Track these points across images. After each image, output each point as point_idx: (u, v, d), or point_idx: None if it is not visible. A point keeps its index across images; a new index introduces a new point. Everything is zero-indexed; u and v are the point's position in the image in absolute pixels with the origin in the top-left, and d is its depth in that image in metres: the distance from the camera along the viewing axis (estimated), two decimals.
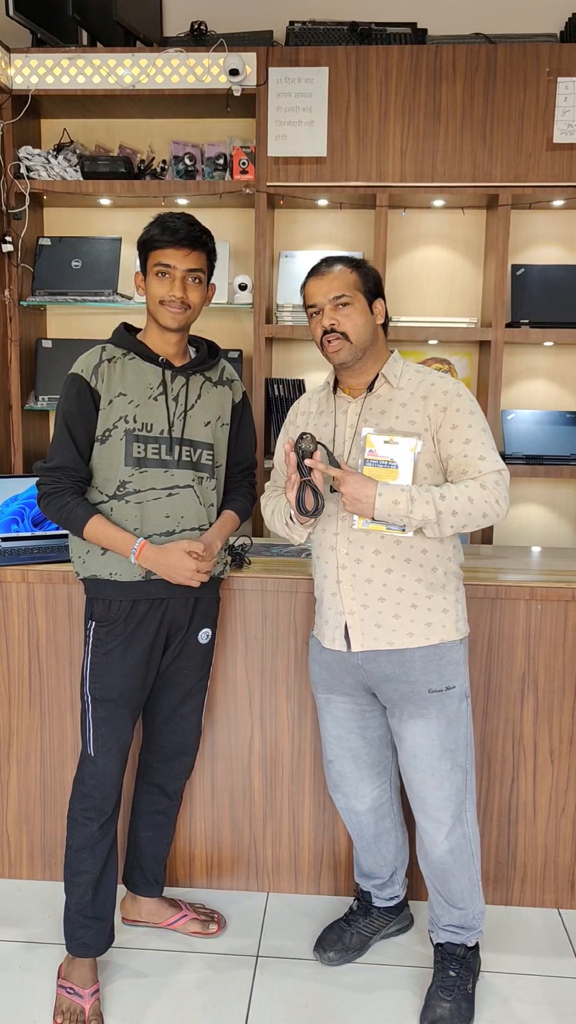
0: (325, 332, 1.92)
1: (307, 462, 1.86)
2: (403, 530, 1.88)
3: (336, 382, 2.05)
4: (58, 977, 2.08)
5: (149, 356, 2.03)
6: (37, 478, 2.03)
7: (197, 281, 1.99)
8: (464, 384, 2.02)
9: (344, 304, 1.91)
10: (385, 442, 1.89)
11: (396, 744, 2.05)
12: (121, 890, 2.31)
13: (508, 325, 3.22)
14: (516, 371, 3.48)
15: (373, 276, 1.98)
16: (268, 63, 3.10)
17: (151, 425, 2.01)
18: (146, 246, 1.99)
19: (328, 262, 1.96)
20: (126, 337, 2.05)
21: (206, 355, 2.11)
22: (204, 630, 2.15)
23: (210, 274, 2.05)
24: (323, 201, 3.31)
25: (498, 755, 2.37)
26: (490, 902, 2.42)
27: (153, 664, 2.08)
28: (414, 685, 1.94)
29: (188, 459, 2.05)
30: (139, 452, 2.00)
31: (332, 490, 1.93)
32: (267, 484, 2.22)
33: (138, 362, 2.03)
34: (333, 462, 1.89)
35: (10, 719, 2.44)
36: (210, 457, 2.09)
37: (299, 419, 2.11)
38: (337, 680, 2.04)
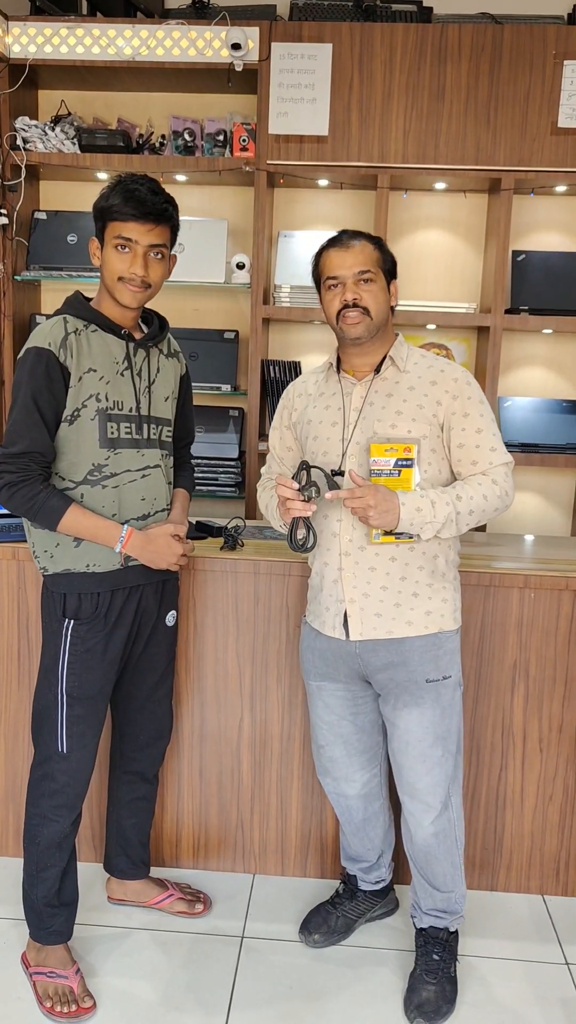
0: (345, 306, 1.87)
1: (300, 507, 1.81)
2: (412, 537, 1.85)
3: (339, 363, 2.01)
4: (26, 968, 2.04)
5: (112, 328, 1.90)
6: None
7: (159, 256, 1.87)
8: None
9: (367, 280, 1.87)
10: (388, 451, 1.84)
11: (388, 731, 2.04)
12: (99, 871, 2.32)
13: (507, 311, 3.20)
14: (514, 358, 3.46)
15: (391, 257, 1.95)
16: (271, 38, 3.05)
17: (121, 403, 1.90)
18: (104, 214, 1.84)
19: (350, 235, 1.91)
20: (86, 307, 1.90)
21: (158, 327, 2.00)
22: (171, 612, 2.11)
23: (172, 245, 1.93)
24: (323, 181, 3.27)
25: (487, 743, 2.37)
26: (476, 887, 2.43)
27: (126, 653, 2.02)
28: (412, 674, 1.93)
29: (155, 437, 1.98)
30: (112, 432, 1.88)
31: (333, 482, 1.85)
32: (262, 470, 2.18)
33: (101, 335, 1.89)
34: (332, 483, 1.83)
35: None
36: (169, 433, 2.03)
37: (296, 401, 2.07)
38: (331, 668, 2.02)
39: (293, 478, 1.85)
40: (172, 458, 2.07)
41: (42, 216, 3.38)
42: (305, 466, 1.85)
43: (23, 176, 3.21)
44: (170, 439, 2.04)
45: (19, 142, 3.20)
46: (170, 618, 2.11)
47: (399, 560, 1.90)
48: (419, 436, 1.87)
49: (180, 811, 2.47)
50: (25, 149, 3.20)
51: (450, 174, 3.12)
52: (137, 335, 1.97)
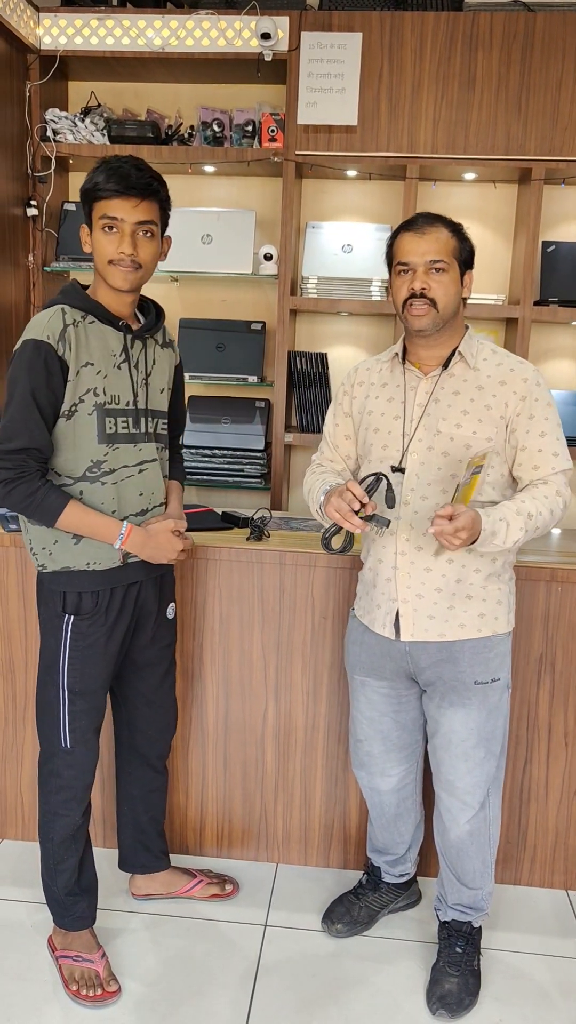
0: (412, 295, 1.80)
1: (358, 523, 1.73)
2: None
3: (404, 352, 1.94)
4: (53, 952, 2.07)
5: (109, 319, 1.85)
6: None
7: (149, 235, 1.81)
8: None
9: (440, 270, 1.80)
10: (476, 465, 1.74)
11: (430, 727, 2.01)
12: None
13: (536, 303, 3.17)
14: (543, 350, 3.43)
15: (469, 246, 1.86)
16: (301, 27, 3.04)
17: (118, 396, 1.86)
18: (89, 196, 1.78)
19: (428, 219, 1.83)
20: (84, 297, 1.84)
21: (155, 317, 1.96)
22: (171, 605, 2.11)
23: (164, 226, 1.86)
24: (352, 171, 3.26)
25: (512, 736, 2.36)
26: (499, 881, 2.42)
27: (124, 647, 2.01)
28: (461, 676, 1.90)
29: (152, 431, 1.95)
30: (111, 428, 1.85)
31: (391, 505, 1.80)
32: (313, 456, 2.12)
33: (98, 326, 1.83)
34: (390, 499, 1.78)
35: (26, 683, 2.45)
36: (165, 426, 2.00)
37: (356, 390, 1.99)
38: (378, 665, 2.00)
39: (361, 484, 1.76)
40: (167, 451, 2.04)
41: (71, 207, 3.39)
42: (380, 477, 1.77)
43: (53, 167, 3.23)
44: (166, 432, 2.01)
45: (49, 133, 3.21)
46: (170, 611, 2.11)
47: (456, 562, 1.86)
48: (484, 438, 1.83)
49: (204, 800, 2.48)
50: (55, 140, 3.21)
51: (480, 164, 3.09)
52: (134, 325, 1.92)
